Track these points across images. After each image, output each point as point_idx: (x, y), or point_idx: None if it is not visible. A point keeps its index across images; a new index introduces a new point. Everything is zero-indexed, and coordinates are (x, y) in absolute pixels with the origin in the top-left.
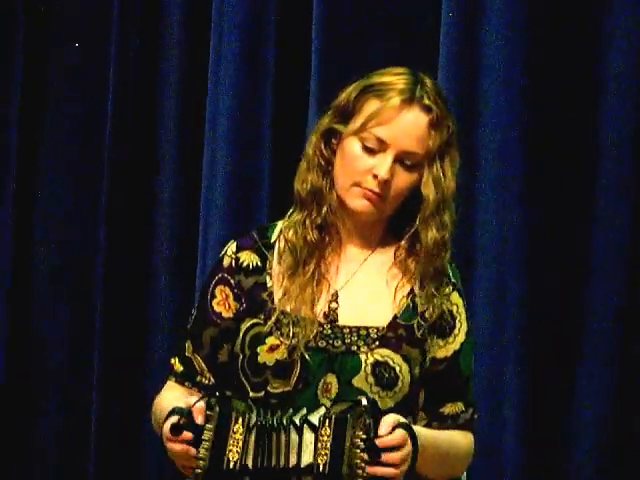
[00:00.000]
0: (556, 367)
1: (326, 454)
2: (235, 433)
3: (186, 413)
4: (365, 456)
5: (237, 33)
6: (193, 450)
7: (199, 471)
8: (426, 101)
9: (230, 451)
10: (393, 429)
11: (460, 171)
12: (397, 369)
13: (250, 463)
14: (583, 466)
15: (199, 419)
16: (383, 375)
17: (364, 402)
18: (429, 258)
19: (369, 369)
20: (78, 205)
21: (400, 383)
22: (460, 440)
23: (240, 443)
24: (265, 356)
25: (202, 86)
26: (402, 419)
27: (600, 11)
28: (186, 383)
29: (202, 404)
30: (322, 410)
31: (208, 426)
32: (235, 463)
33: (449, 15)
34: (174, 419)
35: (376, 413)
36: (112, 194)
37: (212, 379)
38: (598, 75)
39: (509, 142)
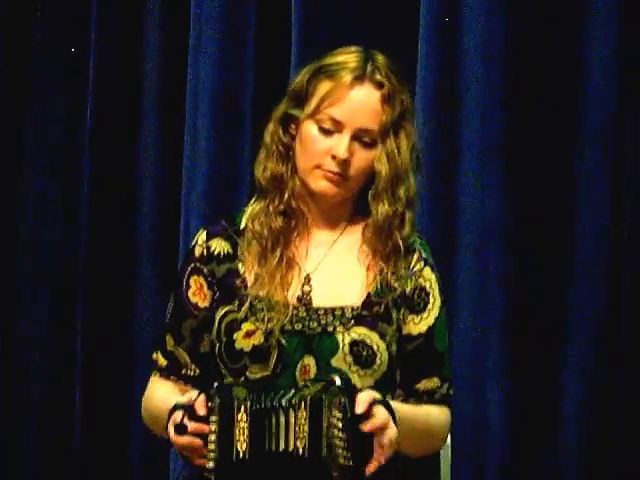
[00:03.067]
0: (540, 347)
1: (304, 437)
2: (239, 422)
3: (188, 408)
4: (342, 435)
5: (216, 23)
6: (198, 441)
7: (211, 464)
8: (377, 77)
9: (238, 441)
10: (370, 406)
11: (417, 144)
12: (374, 347)
13: (257, 449)
14: (569, 447)
15: (201, 411)
16: (361, 353)
17: (337, 381)
18: (380, 232)
19: (346, 348)
20: (59, 202)
21: (378, 360)
22: (436, 415)
23: (246, 431)
24: (242, 342)
25: (182, 80)
26: (378, 395)
27: None
28: (172, 377)
29: (203, 397)
30: (291, 392)
31: (212, 419)
32: (245, 452)
33: None
34: (177, 416)
35: (350, 391)
36: (93, 189)
37: (197, 370)
38: (580, 55)
39: (491, 121)
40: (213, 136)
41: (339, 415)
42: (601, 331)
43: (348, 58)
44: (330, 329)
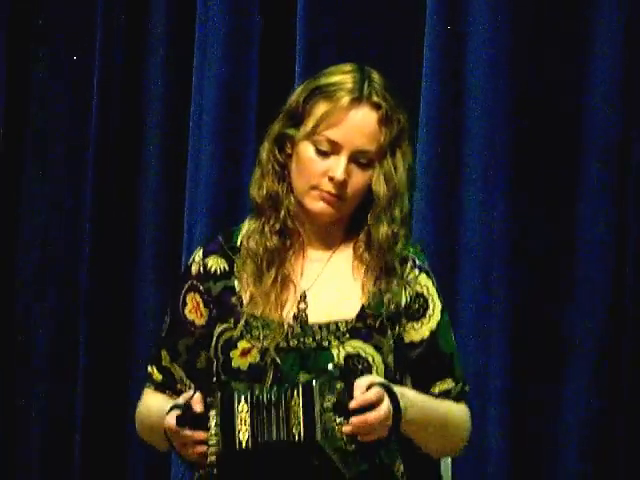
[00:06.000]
0: (542, 363)
1: (299, 423)
2: (241, 412)
3: (185, 406)
4: (339, 419)
5: (222, 29)
6: (202, 434)
7: (213, 458)
8: (374, 98)
9: (240, 431)
10: (368, 389)
11: (414, 162)
12: (370, 359)
13: (260, 439)
14: (568, 463)
15: (198, 407)
16: (356, 367)
17: (330, 367)
18: (382, 252)
19: (342, 362)
20: (63, 206)
21: (374, 373)
22: (455, 408)
23: (248, 421)
24: (238, 360)
25: (187, 86)
26: (377, 379)
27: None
28: (167, 391)
29: (199, 394)
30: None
31: (212, 413)
32: (247, 442)
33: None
34: (175, 415)
35: (348, 377)
36: (96, 194)
37: (192, 385)
38: (584, 71)
39: (494, 140)
40: (217, 150)
41: (333, 399)
42: (602, 348)
43: (344, 78)
44: (325, 344)
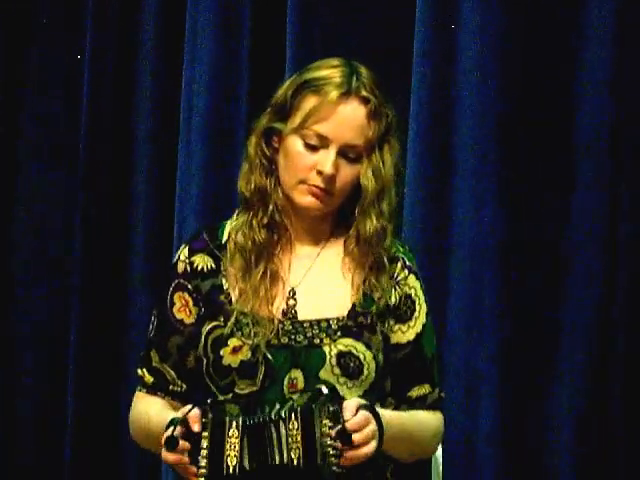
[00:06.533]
0: (534, 361)
1: (298, 447)
2: (231, 437)
3: (182, 422)
4: (336, 444)
5: (212, 22)
6: (186, 459)
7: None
8: (363, 92)
9: (228, 456)
10: (356, 412)
11: (401, 158)
12: (361, 357)
13: (248, 465)
14: (559, 456)
15: (195, 427)
16: (348, 365)
17: (325, 390)
18: (369, 247)
19: (334, 360)
20: (54, 202)
21: (366, 371)
22: (427, 419)
23: (237, 447)
24: (229, 358)
25: (177, 82)
26: (363, 401)
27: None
28: (158, 393)
29: (197, 412)
30: (282, 405)
31: (204, 434)
32: (234, 467)
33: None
34: (169, 432)
35: (337, 399)
36: (87, 190)
37: (184, 386)
38: (574, 69)
39: (484, 137)
40: (207, 150)
41: (330, 423)
42: (594, 346)
43: (333, 73)
44: (317, 341)
